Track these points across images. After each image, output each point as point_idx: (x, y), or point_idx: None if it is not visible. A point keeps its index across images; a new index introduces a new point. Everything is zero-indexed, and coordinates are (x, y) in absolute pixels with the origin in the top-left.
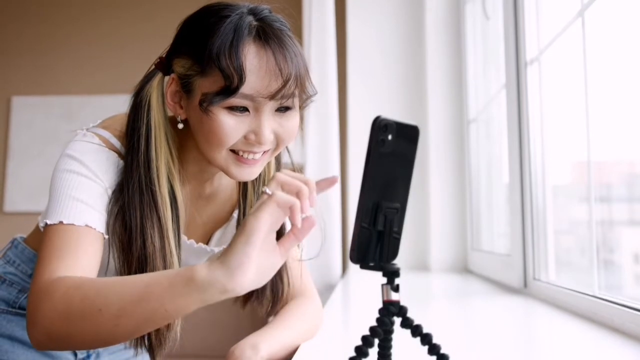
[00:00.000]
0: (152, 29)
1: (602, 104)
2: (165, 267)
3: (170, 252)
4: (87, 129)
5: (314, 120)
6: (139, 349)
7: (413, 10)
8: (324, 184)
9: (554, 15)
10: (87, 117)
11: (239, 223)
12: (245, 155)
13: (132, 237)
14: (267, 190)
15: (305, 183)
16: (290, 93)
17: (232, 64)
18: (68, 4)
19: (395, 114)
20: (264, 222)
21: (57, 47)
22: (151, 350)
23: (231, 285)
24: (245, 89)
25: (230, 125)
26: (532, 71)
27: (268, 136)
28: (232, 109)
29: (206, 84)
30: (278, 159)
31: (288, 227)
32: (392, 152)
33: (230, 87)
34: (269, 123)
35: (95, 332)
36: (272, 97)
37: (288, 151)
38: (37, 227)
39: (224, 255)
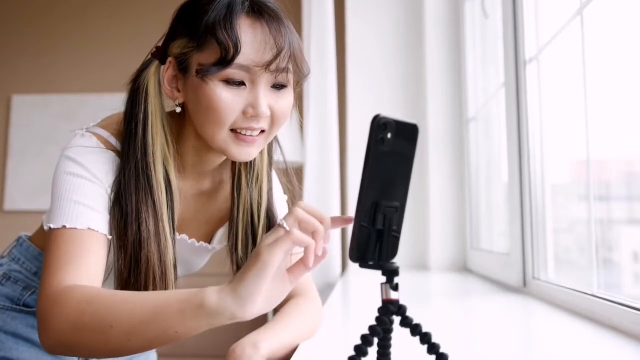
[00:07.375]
0: (152, 27)
1: (601, 103)
2: (159, 253)
3: (165, 237)
4: (86, 129)
5: (314, 120)
6: None
7: (412, 9)
8: (338, 222)
9: (553, 13)
10: (87, 115)
11: (232, 220)
12: (244, 132)
13: (128, 221)
14: (285, 225)
15: (321, 221)
16: (285, 66)
17: (228, 34)
18: (67, 3)
19: (394, 112)
20: (278, 258)
21: (57, 46)
22: None
23: (240, 314)
24: (240, 59)
25: (228, 99)
26: (531, 70)
27: (265, 109)
28: (228, 82)
29: (203, 58)
30: (270, 156)
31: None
32: (392, 150)
33: (226, 57)
34: (265, 97)
35: (106, 345)
36: (267, 66)
37: (281, 149)
38: (42, 226)
39: (236, 283)
